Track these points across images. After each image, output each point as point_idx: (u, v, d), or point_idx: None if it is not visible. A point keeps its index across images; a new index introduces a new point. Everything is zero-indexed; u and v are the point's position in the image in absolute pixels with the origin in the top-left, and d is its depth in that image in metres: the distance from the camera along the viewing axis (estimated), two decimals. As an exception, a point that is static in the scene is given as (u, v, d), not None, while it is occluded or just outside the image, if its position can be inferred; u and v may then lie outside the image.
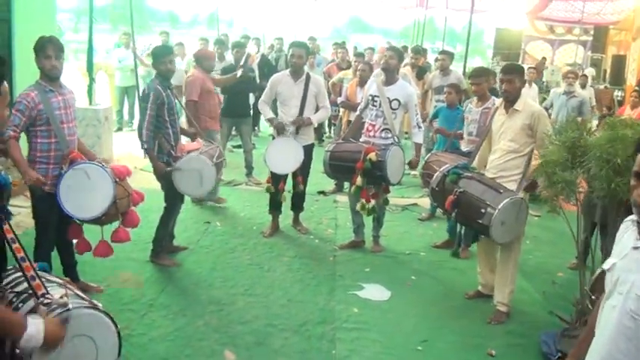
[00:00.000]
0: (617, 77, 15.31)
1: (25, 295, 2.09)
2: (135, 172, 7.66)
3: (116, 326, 2.24)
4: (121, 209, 4.06)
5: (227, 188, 7.42)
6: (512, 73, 4.44)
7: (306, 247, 5.76)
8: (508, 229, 4.18)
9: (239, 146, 8.99)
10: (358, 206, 5.45)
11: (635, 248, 1.94)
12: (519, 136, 4.36)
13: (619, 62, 15.82)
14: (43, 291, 2.05)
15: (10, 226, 2.06)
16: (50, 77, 3.94)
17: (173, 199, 5.07)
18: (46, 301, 2.03)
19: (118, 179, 4.01)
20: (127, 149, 9.14)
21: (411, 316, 4.45)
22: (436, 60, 8.69)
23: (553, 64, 19.55)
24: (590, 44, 19.43)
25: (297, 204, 6.19)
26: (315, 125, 6.03)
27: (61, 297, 2.07)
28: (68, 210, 3.86)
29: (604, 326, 2.02)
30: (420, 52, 9.80)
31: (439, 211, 6.59)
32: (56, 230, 4.09)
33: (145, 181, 7.18)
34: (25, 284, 2.09)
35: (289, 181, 6.01)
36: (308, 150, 5.84)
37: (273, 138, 5.93)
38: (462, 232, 5.60)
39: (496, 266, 4.67)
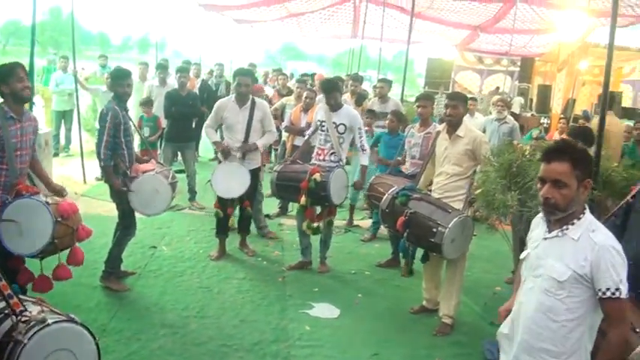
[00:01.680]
0: (543, 105, 16.22)
1: (1, 315, 2.10)
2: (76, 199, 7.58)
3: (94, 338, 2.27)
4: (61, 246, 3.93)
5: (171, 213, 7.37)
6: (457, 100, 4.77)
7: (254, 269, 5.82)
8: (457, 245, 4.45)
9: (181, 171, 8.96)
10: (304, 225, 5.60)
11: (545, 239, 2.37)
12: (462, 160, 4.65)
13: (545, 91, 16.79)
14: (21, 308, 2.07)
15: None
16: (23, 99, 3.92)
17: (129, 219, 5.06)
18: (24, 318, 2.05)
19: (60, 217, 3.88)
20: (66, 174, 8.95)
21: (360, 332, 4.60)
22: (374, 87, 9.01)
23: (482, 93, 20.50)
24: (517, 74, 20.49)
25: (244, 227, 6.25)
26: (262, 150, 6.14)
27: (38, 313, 2.10)
28: (5, 243, 3.71)
29: (524, 305, 2.41)
30: (358, 79, 10.11)
31: (380, 231, 6.86)
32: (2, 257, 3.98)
33: (87, 206, 7.11)
34: (1, 304, 2.10)
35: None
36: (254, 174, 5.95)
37: (219, 162, 6.00)
38: (404, 251, 5.81)
39: (440, 282, 4.92)
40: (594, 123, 8.42)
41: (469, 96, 12.45)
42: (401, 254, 5.95)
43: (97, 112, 10.10)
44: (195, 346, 4.14)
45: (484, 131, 8.42)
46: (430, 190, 4.88)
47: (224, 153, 5.85)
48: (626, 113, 15.62)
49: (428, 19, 18.05)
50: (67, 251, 4.02)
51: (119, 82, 5.02)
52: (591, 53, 17.34)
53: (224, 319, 4.62)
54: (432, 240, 4.33)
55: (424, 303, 5.07)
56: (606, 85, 4.44)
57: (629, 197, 3.06)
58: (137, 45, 71.30)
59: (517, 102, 16.48)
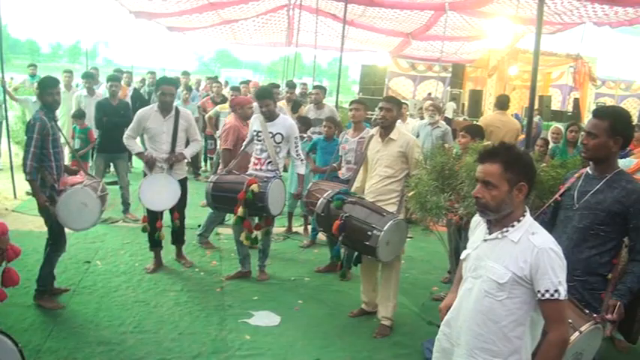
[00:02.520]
0: (475, 110, 16.70)
1: None
2: (7, 215, 7.26)
3: (16, 344, 2.18)
4: None
5: (104, 226, 7.18)
6: (391, 103, 4.88)
7: (192, 281, 5.73)
8: (392, 248, 4.51)
9: (114, 182, 8.74)
10: (242, 236, 5.55)
11: (485, 240, 2.42)
12: (395, 163, 4.73)
13: (476, 96, 17.30)
14: None
15: None
16: None
17: (58, 234, 4.88)
18: None
19: None
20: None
21: (301, 338, 4.60)
22: (310, 94, 9.07)
23: (415, 98, 20.97)
24: (449, 80, 21.05)
25: (178, 238, 6.15)
26: (189, 159, 6.01)
27: None
28: None
29: (464, 306, 2.46)
30: (293, 86, 10.18)
31: (319, 237, 6.89)
32: None
33: (18, 222, 6.83)
34: None
35: (167, 216, 5.94)
36: (183, 184, 5.82)
37: (145, 175, 5.84)
38: (338, 255, 5.87)
39: (377, 285, 4.98)
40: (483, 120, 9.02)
41: (402, 102, 12.78)
42: (335, 258, 6.00)
43: (19, 119, 9.73)
44: (133, 362, 4.04)
45: (417, 136, 8.62)
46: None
47: (149, 164, 5.70)
48: (555, 116, 16.36)
49: (360, 26, 18.32)
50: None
51: (47, 90, 4.84)
52: (520, 59, 18.05)
53: (162, 333, 4.52)
54: (367, 243, 4.38)
55: (363, 306, 5.12)
56: (533, 89, 4.65)
57: (557, 195, 3.20)
58: (67, 53, 69.16)
59: (450, 107, 16.90)
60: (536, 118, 14.46)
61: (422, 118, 10.02)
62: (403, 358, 4.39)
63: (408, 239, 7.30)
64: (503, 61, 16.97)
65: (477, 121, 15.51)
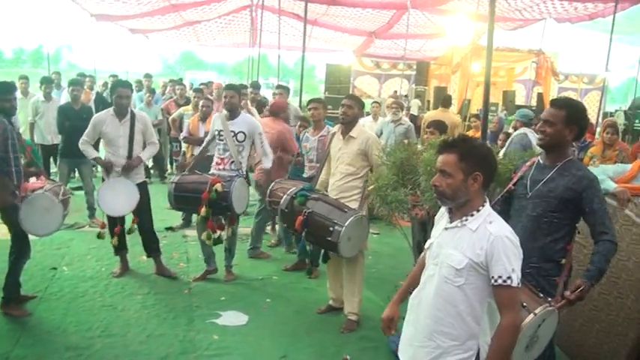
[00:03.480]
0: (450, 101, 17.00)
1: None
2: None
3: None
4: None
5: (70, 231, 7.13)
6: (353, 100, 4.98)
7: (159, 283, 5.73)
8: (353, 244, 4.58)
9: (79, 188, 8.66)
10: (204, 236, 5.58)
11: (446, 229, 2.53)
12: (355, 160, 4.82)
13: (441, 93, 17.49)
14: None
15: None
16: None
17: (22, 241, 4.83)
18: None
19: None
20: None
21: (269, 336, 4.66)
22: (273, 95, 9.10)
23: (380, 96, 21.16)
24: (414, 78, 21.29)
25: (149, 245, 5.96)
26: (146, 162, 5.97)
27: None
28: None
29: (424, 292, 2.57)
30: (258, 87, 10.22)
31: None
32: None
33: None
34: None
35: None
36: (142, 188, 5.74)
37: (103, 180, 5.80)
38: (304, 251, 5.95)
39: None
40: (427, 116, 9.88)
41: (372, 100, 12.92)
42: (299, 255, 6.07)
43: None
44: (101, 365, 4.05)
45: (381, 133, 8.76)
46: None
47: (107, 167, 5.66)
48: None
49: (324, 25, 18.44)
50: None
51: (4, 96, 4.78)
52: (483, 56, 18.29)
53: (130, 336, 4.53)
54: (329, 239, 4.45)
55: (330, 302, 5.21)
56: (487, 84, 4.81)
57: (510, 184, 3.31)
58: (30, 58, 67.81)
59: (415, 104, 17.11)
60: (502, 114, 14.77)
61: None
62: (370, 351, 4.48)
63: (375, 235, 7.55)
64: (466, 58, 17.22)
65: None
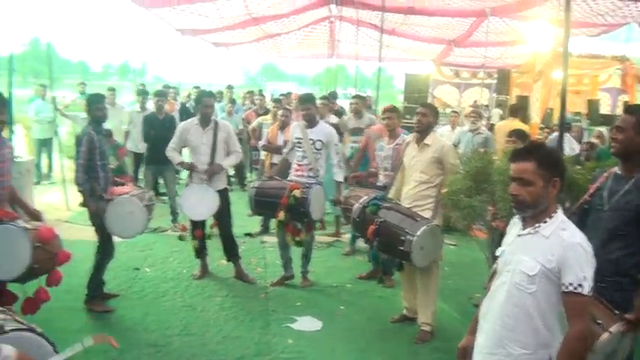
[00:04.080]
0: (522, 116, 16.53)
1: None
2: (59, 225, 7.61)
3: (55, 349, 2.32)
4: (41, 271, 3.95)
5: (153, 235, 7.45)
6: (427, 108, 4.99)
7: (237, 286, 5.90)
8: (426, 253, 4.54)
9: (163, 194, 9.05)
10: (288, 238, 5.71)
11: (519, 235, 2.50)
12: (430, 168, 4.79)
13: (523, 102, 17.07)
14: None
15: None
16: None
17: (107, 242, 5.13)
18: None
19: (39, 243, 3.88)
20: (48, 201, 8.98)
21: (342, 343, 4.70)
22: (350, 104, 9.18)
23: (460, 106, 20.84)
24: (494, 87, 20.83)
25: (229, 250, 6.15)
26: (228, 170, 6.17)
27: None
28: None
29: (495, 299, 2.53)
30: (335, 97, 10.35)
31: (361, 244, 6.96)
32: None
33: (70, 232, 7.14)
34: None
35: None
36: (223, 194, 5.94)
37: (187, 185, 6.05)
38: (376, 260, 5.94)
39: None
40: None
41: (450, 110, 12.78)
42: (372, 264, 6.08)
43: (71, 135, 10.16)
44: (180, 363, 4.22)
45: (459, 143, 8.63)
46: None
47: (191, 168, 5.90)
48: (606, 120, 15.97)
49: (403, 35, 18.36)
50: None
51: (93, 106, 5.15)
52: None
53: (207, 336, 4.70)
54: (401, 248, 4.44)
55: (404, 312, 5.18)
56: (563, 91, 4.67)
57: (586, 196, 3.20)
58: (117, 72, 71.49)
59: (496, 113, 16.74)
60: (584, 124, 14.21)
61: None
62: (444, 363, 4.43)
63: (452, 246, 7.45)
64: (548, 65, 16.68)
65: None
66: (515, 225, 2.61)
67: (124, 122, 9.64)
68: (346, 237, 7.67)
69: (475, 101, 19.41)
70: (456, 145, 8.42)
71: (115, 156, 8.52)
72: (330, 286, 6.03)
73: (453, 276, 6.46)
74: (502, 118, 16.45)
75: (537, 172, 2.42)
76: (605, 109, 18.42)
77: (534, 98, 18.24)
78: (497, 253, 2.66)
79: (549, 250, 2.36)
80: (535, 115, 17.26)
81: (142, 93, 9.73)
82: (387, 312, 5.33)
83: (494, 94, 20.29)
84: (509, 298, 2.46)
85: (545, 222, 2.43)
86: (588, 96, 18.59)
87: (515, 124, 9.08)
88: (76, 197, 8.49)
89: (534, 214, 2.46)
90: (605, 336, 2.57)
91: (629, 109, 3.09)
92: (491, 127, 13.84)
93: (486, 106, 19.16)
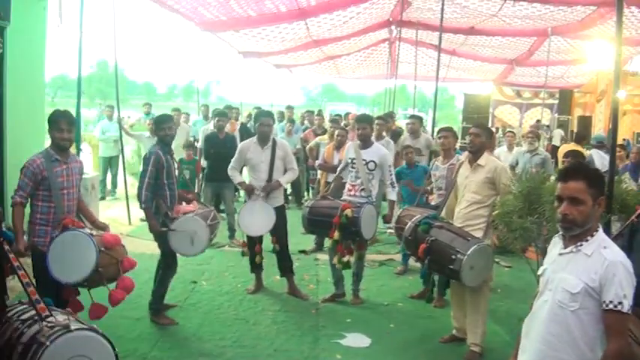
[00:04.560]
0: (584, 136, 16.15)
1: (30, 321, 2.36)
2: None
3: (114, 349, 2.48)
4: (106, 275, 4.16)
5: (211, 250, 7.65)
6: (480, 129, 5.02)
7: (290, 302, 6.03)
8: (477, 273, 4.55)
9: (221, 210, 9.32)
10: (335, 259, 5.80)
11: (561, 254, 2.53)
12: (482, 188, 4.81)
13: (585, 122, 16.67)
14: (47, 313, 2.33)
15: (13, 254, 2.35)
16: (60, 147, 4.29)
17: (170, 258, 5.35)
18: (49, 323, 2.31)
19: (104, 248, 4.13)
20: (111, 216, 9.41)
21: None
22: (407, 124, 9.25)
23: (521, 126, 20.50)
24: (556, 107, 20.40)
25: (283, 266, 6.31)
26: (285, 186, 6.34)
27: (64, 320, 2.35)
28: (53, 273, 3.99)
29: (537, 318, 2.55)
30: (392, 117, 10.43)
31: (413, 263, 6.97)
32: (54, 288, 4.26)
33: (131, 246, 7.42)
34: (31, 313, 2.37)
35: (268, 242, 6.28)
36: (280, 211, 6.10)
37: (245, 202, 6.24)
38: (436, 279, 5.95)
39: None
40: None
41: (508, 129, 12.59)
42: (422, 281, 6.08)
43: (141, 157, 10.60)
44: (231, 373, 4.37)
45: (517, 164, 8.54)
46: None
47: (248, 191, 6.10)
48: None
49: (463, 55, 18.31)
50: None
51: (161, 126, 5.40)
52: (630, 82, 17.21)
53: (259, 349, 4.84)
54: (452, 267, 4.46)
55: (454, 332, 5.16)
56: (615, 110, 4.61)
57: (633, 217, 3.18)
58: (182, 93, 73.79)
59: (557, 134, 16.41)
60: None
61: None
62: (491, 384, 4.40)
63: (507, 269, 7.35)
64: (611, 84, 16.24)
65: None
66: (556, 244, 2.63)
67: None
68: (398, 256, 7.69)
69: (538, 120, 19.02)
70: (514, 167, 8.33)
71: (193, 170, 8.88)
72: (381, 304, 6.07)
73: (506, 298, 6.37)
74: (563, 138, 16.11)
75: (588, 192, 2.45)
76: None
77: (597, 119, 17.75)
78: (539, 272, 2.68)
79: (592, 269, 2.38)
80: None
81: (222, 114, 9.79)
82: (437, 332, 5.32)
83: (555, 115, 19.86)
84: (552, 316, 2.48)
85: (586, 240, 2.45)
86: (655, 115, 17.94)
87: (578, 148, 8.90)
88: (139, 212, 8.93)
89: (582, 232, 2.48)
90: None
91: None
92: (553, 149, 13.60)
93: (548, 126, 18.79)
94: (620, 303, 2.31)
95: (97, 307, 4.23)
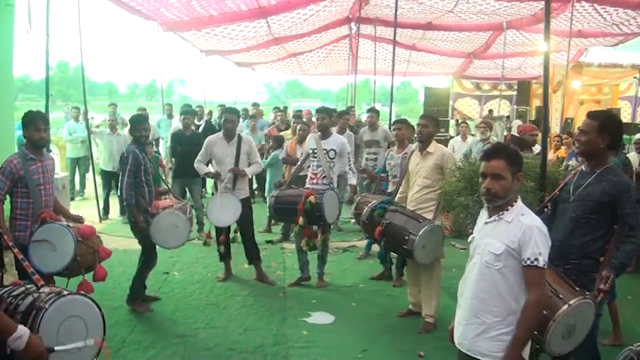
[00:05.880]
0: (540, 123, 16.78)
1: (22, 295, 2.68)
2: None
3: (100, 310, 2.83)
4: (84, 264, 4.44)
5: (181, 243, 7.98)
6: (427, 119, 5.48)
7: (258, 287, 6.40)
8: (428, 251, 4.98)
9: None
10: (302, 242, 6.18)
11: (486, 223, 2.94)
12: (432, 173, 5.24)
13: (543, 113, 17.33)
14: (42, 283, 2.67)
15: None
16: (37, 146, 4.55)
17: (150, 252, 5.65)
18: (44, 290, 2.65)
19: (81, 238, 4.42)
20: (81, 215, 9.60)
21: (352, 334, 5.15)
22: (366, 118, 9.67)
23: (481, 118, 21.14)
24: (515, 98, 21.10)
25: (250, 254, 6.67)
26: (249, 176, 6.72)
27: (55, 288, 2.70)
28: (35, 264, 4.16)
29: (469, 278, 2.98)
30: (351, 112, 10.87)
31: (375, 249, 7.39)
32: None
33: (104, 242, 7.71)
34: (20, 290, 2.70)
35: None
36: (246, 202, 6.47)
37: (212, 194, 6.57)
38: (393, 261, 6.42)
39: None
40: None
41: (461, 120, 13.06)
42: (379, 260, 6.51)
43: (101, 153, 10.75)
44: (204, 351, 4.73)
45: (471, 152, 9.02)
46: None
47: (216, 177, 6.44)
48: (627, 129, 16.09)
49: (423, 49, 18.82)
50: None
51: (137, 127, 5.71)
52: (585, 73, 17.96)
53: (230, 329, 5.19)
54: (405, 247, 4.88)
55: (410, 307, 5.60)
56: (545, 101, 5.05)
57: (557, 190, 3.65)
58: (144, 92, 72.97)
59: (515, 124, 17.02)
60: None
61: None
62: (443, 350, 4.81)
63: (462, 250, 7.81)
64: (567, 76, 16.96)
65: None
66: (482, 216, 3.04)
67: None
68: (361, 243, 8.10)
69: (490, 111, 19.66)
70: (468, 156, 8.79)
71: (156, 166, 9.15)
72: (344, 285, 6.48)
73: (460, 277, 6.80)
74: (522, 129, 16.73)
75: (507, 169, 2.85)
76: (625, 118, 18.54)
77: (554, 109, 18.47)
78: (469, 240, 3.09)
79: (512, 233, 2.79)
80: (555, 125, 17.50)
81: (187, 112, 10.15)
82: (396, 308, 5.75)
83: (514, 106, 20.55)
84: (481, 275, 2.88)
85: (507, 210, 2.86)
86: (609, 105, 18.75)
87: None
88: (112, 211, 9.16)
89: (503, 204, 2.89)
90: (564, 308, 2.99)
91: (590, 114, 3.52)
92: (515, 138, 14.14)
93: (508, 117, 19.46)
94: (536, 259, 2.72)
95: (86, 284, 4.41)
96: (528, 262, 2.73)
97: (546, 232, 2.79)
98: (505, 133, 16.04)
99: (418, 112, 37.12)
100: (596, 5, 12.31)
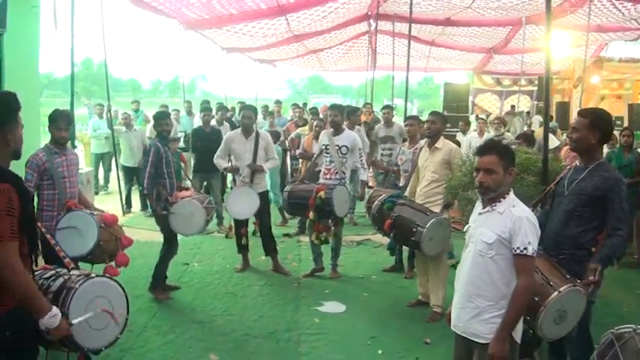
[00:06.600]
0: (563, 122, 16.71)
1: (52, 277, 2.97)
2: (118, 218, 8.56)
3: (124, 291, 3.11)
4: (107, 251, 4.71)
5: (201, 236, 8.20)
6: (435, 116, 5.68)
7: (274, 277, 6.66)
8: (436, 243, 5.17)
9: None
10: (313, 236, 6.42)
11: (480, 214, 3.13)
12: (440, 168, 5.44)
13: (563, 108, 17.25)
14: (73, 266, 2.95)
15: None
16: (58, 143, 4.85)
17: (171, 240, 5.96)
18: (74, 272, 2.92)
19: (104, 224, 4.71)
20: (105, 209, 9.94)
21: (362, 322, 5.37)
22: (382, 114, 9.84)
23: (502, 113, 21.14)
24: (535, 93, 21.04)
25: (267, 246, 6.91)
26: (267, 172, 6.97)
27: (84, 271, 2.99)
28: (62, 248, 4.55)
29: (464, 265, 3.16)
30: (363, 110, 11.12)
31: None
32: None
33: (127, 234, 8.04)
34: (50, 273, 2.98)
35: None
36: (263, 196, 6.69)
37: (231, 188, 6.81)
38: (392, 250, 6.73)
39: (431, 276, 5.65)
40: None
41: (481, 116, 13.13)
42: (389, 252, 6.71)
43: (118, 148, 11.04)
44: (221, 336, 5.00)
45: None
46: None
47: (234, 171, 6.69)
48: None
49: (442, 45, 18.88)
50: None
51: (159, 122, 6.08)
52: (606, 68, 17.86)
53: (246, 316, 5.45)
54: (413, 239, 5.08)
55: (419, 297, 5.80)
56: (547, 96, 5.18)
57: (552, 184, 3.83)
58: (167, 89, 73.61)
59: (536, 120, 17.00)
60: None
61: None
62: (450, 338, 4.94)
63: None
64: (588, 71, 16.89)
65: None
66: (477, 207, 3.24)
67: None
68: (375, 237, 8.28)
69: (512, 106, 19.64)
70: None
71: (178, 162, 9.49)
72: (356, 277, 6.71)
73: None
74: (542, 124, 16.73)
75: (499, 164, 3.04)
76: (647, 113, 18.38)
77: (574, 104, 18.41)
78: (464, 229, 3.29)
79: (503, 223, 2.97)
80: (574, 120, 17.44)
81: (222, 108, 10.57)
82: (406, 299, 5.95)
83: (535, 101, 20.50)
84: (474, 263, 3.08)
85: (499, 202, 3.05)
86: (630, 100, 18.59)
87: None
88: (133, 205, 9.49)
89: (495, 196, 3.08)
90: (554, 294, 3.18)
91: (581, 112, 3.69)
92: (532, 134, 14.20)
93: (528, 112, 19.43)
94: (525, 248, 2.90)
95: (111, 269, 4.63)
96: (518, 251, 2.92)
97: (536, 223, 2.98)
98: (525, 129, 16.11)
99: (438, 107, 37.13)
100: (614, 0, 12.32)
